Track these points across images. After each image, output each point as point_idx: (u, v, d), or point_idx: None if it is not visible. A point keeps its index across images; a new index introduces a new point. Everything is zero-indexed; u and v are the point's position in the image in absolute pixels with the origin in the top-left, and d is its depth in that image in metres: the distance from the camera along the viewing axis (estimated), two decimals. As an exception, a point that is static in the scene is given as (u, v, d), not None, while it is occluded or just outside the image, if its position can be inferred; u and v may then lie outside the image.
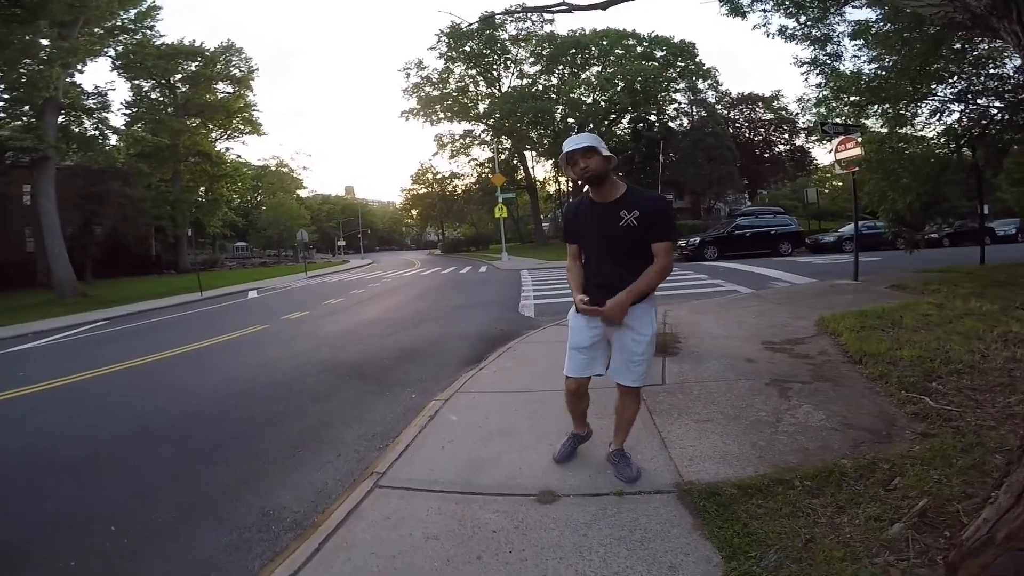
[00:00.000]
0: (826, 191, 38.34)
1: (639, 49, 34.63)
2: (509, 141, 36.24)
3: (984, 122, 8.76)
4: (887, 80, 8.74)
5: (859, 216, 9.31)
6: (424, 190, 48.68)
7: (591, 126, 35.66)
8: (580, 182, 2.28)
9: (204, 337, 8.35)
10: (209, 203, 39.79)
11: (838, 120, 9.19)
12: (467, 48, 35.56)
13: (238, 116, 38.85)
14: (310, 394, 4.71)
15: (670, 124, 35.14)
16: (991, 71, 8.94)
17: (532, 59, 36.32)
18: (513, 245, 36.69)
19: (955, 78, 9.09)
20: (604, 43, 34.61)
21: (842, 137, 8.51)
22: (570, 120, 35.28)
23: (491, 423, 3.37)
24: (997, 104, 9.18)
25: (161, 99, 36.02)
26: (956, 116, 9.04)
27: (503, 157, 37.82)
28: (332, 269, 31.11)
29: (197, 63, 35.96)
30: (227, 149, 41.34)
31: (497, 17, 34.77)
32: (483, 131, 38.46)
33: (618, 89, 31.60)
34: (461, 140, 40.12)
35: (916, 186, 7.80)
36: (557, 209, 53.73)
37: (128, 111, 34.82)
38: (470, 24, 33.94)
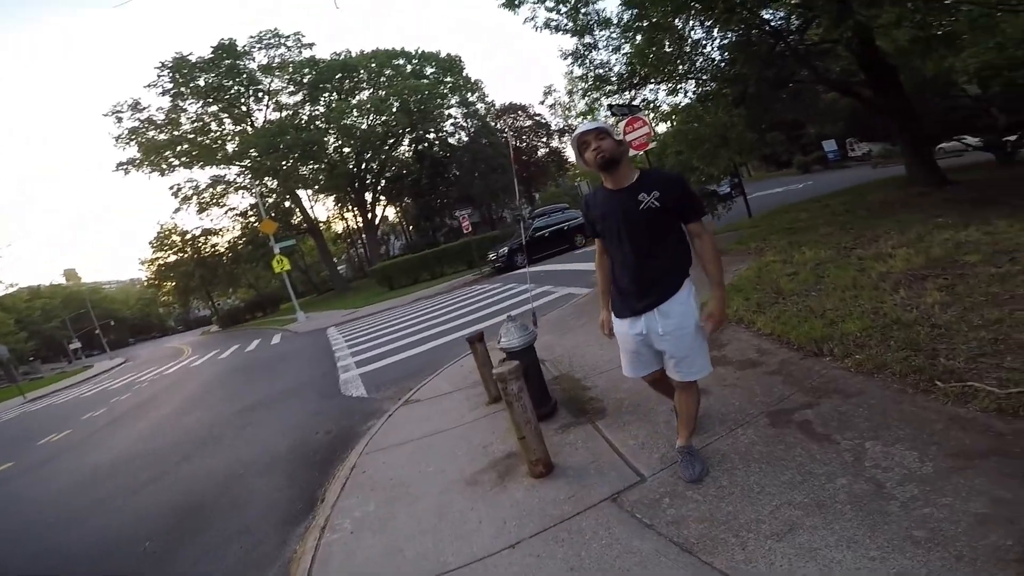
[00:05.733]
0: (588, 182, 43.91)
1: (408, 68, 33.35)
2: (275, 182, 31.09)
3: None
4: (632, 66, 9.39)
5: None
6: (173, 257, 38.65)
7: (369, 153, 33.21)
8: (596, 167, 2.12)
9: None
10: None
11: (617, 103, 9.49)
12: (201, 82, 29.14)
13: None
14: None
15: (449, 140, 35.27)
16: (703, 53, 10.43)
17: (291, 88, 31.68)
18: (308, 299, 31.87)
19: (678, 62, 10.32)
20: (373, 64, 32.33)
21: (628, 118, 8.60)
22: (346, 149, 31.99)
23: None
24: (712, 83, 10.79)
25: None
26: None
27: (271, 200, 32.26)
28: (66, 382, 23.52)
29: None
30: None
31: (240, 47, 29.56)
32: (238, 174, 31.94)
33: (393, 110, 29.79)
34: (210, 189, 32.65)
35: (727, 153, 8.34)
36: (351, 249, 49.60)
37: None
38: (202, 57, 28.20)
